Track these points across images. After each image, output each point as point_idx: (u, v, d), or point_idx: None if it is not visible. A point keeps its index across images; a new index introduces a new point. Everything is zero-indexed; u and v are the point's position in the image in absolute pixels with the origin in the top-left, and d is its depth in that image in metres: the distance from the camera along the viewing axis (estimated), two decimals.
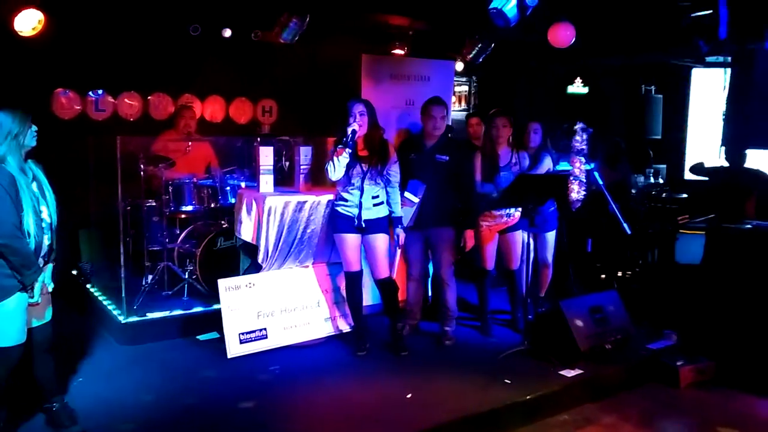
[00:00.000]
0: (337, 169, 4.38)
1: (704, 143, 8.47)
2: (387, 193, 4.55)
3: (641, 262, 6.27)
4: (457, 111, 8.07)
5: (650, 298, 5.69)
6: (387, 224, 4.59)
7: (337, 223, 4.59)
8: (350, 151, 4.33)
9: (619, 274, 6.27)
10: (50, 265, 3.28)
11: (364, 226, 4.49)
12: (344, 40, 6.40)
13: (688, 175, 8.13)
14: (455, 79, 7.46)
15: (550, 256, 5.41)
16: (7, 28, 4.72)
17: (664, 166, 7.91)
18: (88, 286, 5.72)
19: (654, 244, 6.36)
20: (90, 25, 5.65)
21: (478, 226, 4.98)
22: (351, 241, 4.55)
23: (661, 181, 7.52)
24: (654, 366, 4.66)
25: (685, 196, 7.07)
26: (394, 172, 4.56)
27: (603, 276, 6.24)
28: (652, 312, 5.41)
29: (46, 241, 3.20)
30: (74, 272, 6.07)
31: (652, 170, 7.53)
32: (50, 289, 3.31)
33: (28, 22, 4.71)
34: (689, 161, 8.31)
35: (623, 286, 5.94)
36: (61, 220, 3.33)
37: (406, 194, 4.75)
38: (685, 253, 6.26)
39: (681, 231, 6.45)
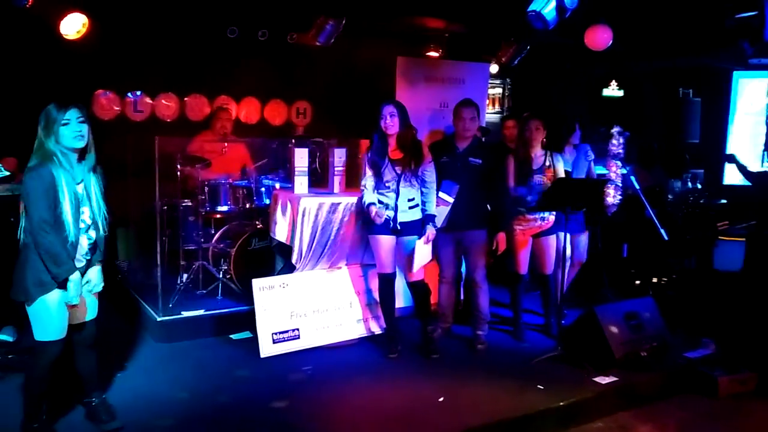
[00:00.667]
0: (370, 197, 4.50)
1: (746, 148, 8.27)
2: (422, 193, 4.55)
3: (678, 269, 6.15)
4: (491, 113, 8.03)
5: (687, 306, 5.58)
6: (420, 226, 4.59)
7: (373, 224, 4.60)
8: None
9: (654, 280, 6.17)
10: (98, 267, 3.34)
11: (399, 228, 4.49)
12: (379, 42, 6.41)
13: (728, 180, 7.96)
14: (489, 81, 7.42)
15: (585, 255, 5.39)
16: (53, 31, 4.84)
17: (702, 171, 7.75)
18: (124, 283, 5.83)
19: (692, 251, 6.23)
20: (129, 28, 5.75)
21: (512, 230, 4.94)
22: (386, 242, 4.56)
23: (699, 186, 7.37)
24: (691, 375, 4.56)
25: (724, 201, 6.92)
26: (430, 172, 4.55)
27: (638, 282, 6.14)
28: (689, 320, 5.31)
29: (85, 241, 3.24)
30: (111, 270, 6.18)
31: (689, 175, 7.39)
32: (98, 289, 3.37)
33: (73, 26, 4.83)
34: (729, 166, 8.13)
35: (658, 292, 5.83)
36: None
37: (441, 194, 4.75)
38: (723, 260, 6.13)
39: (720, 237, 6.31)
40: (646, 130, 7.74)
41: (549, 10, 3.89)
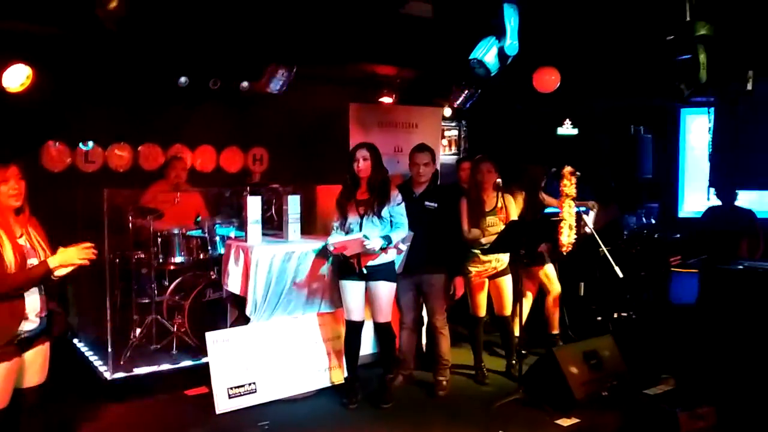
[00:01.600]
0: (331, 238, 4.47)
1: (698, 182, 8.50)
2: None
3: (635, 304, 6.21)
4: (447, 155, 8.11)
5: (646, 341, 5.61)
6: (392, 270, 4.54)
7: (340, 268, 4.54)
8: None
9: (615, 315, 6.21)
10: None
11: (365, 272, 4.44)
12: (333, 89, 6.46)
13: (682, 214, 8.16)
14: (444, 123, 7.53)
15: None
16: None
17: (656, 205, 7.93)
18: (74, 340, 5.63)
19: (648, 286, 6.31)
20: (79, 78, 5.67)
21: (467, 273, 4.94)
22: (354, 288, 4.49)
23: (652, 221, 7.52)
24: (652, 412, 4.54)
25: (677, 236, 7.06)
26: (399, 214, 4.47)
27: (599, 318, 6.18)
28: (649, 355, 5.33)
29: (38, 298, 3.11)
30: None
31: (643, 210, 7.54)
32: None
33: (17, 78, 4.76)
34: (685, 200, 8.36)
35: (619, 328, 5.87)
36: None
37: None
38: (679, 293, 6.22)
39: (674, 270, 6.41)
40: (599, 167, 7.89)
41: (490, 58, 3.97)
